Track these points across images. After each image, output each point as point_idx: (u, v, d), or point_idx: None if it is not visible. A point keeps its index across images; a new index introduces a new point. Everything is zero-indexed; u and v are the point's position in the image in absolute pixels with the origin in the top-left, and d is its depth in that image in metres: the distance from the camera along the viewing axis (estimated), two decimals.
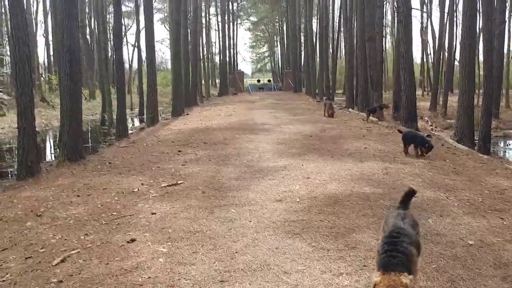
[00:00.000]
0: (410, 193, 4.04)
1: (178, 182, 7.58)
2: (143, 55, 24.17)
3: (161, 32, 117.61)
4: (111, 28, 46.30)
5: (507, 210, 5.87)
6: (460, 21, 35.62)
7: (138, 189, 7.29)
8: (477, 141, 12.58)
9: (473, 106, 12.44)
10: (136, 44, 29.36)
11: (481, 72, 16.57)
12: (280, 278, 3.90)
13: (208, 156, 10.03)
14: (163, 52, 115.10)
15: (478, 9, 12.84)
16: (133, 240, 4.92)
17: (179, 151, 10.92)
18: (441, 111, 24.46)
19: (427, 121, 20.37)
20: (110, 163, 9.98)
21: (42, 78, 37.53)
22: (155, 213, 5.90)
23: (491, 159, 10.12)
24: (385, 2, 26.71)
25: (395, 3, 41.88)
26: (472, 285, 3.74)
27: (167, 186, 7.39)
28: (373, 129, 14.52)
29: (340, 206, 5.98)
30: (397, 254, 3.07)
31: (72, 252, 4.71)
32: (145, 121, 19.72)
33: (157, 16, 70.72)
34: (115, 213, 6.06)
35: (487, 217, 5.58)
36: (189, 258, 4.38)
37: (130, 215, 5.90)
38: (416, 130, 14.60)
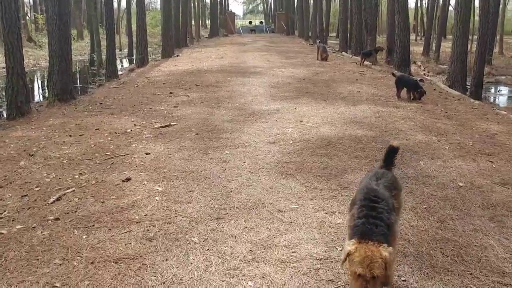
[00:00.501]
0: (392, 151, 3.56)
1: (171, 123, 7.56)
2: None
3: None
4: None
5: (496, 154, 5.96)
6: None
7: (131, 130, 7.27)
8: (469, 87, 12.58)
9: (466, 51, 12.35)
10: None
11: (476, 18, 16.35)
12: (274, 216, 3.98)
13: (200, 99, 9.96)
14: None
15: None
16: (128, 179, 4.95)
17: (171, 93, 10.82)
18: (434, 56, 24.26)
19: (420, 66, 20.25)
20: (101, 103, 9.88)
21: (27, 18, 36.41)
22: (150, 153, 5.92)
23: (482, 104, 10.17)
24: None
25: None
26: (461, 225, 3.85)
27: (160, 127, 7.37)
28: (366, 73, 14.44)
29: (332, 148, 6.04)
30: (379, 222, 2.60)
31: (67, 191, 4.75)
32: (134, 62, 19.38)
33: None
34: (108, 153, 6.06)
35: (477, 160, 5.67)
36: (185, 197, 4.44)
37: (124, 155, 5.92)
38: (409, 75, 14.57)
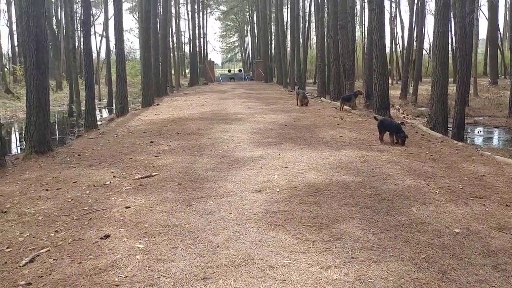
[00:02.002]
0: None
1: (152, 174, 7.30)
2: (111, 44, 23.52)
3: (129, 22, 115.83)
4: (78, 17, 45.18)
5: (488, 197, 5.84)
6: (429, 11, 36.06)
7: (110, 182, 6.97)
8: (450, 129, 12.66)
9: (446, 93, 12.49)
10: (104, 33, 28.52)
11: (450, 61, 16.72)
12: (266, 273, 3.70)
13: (182, 147, 9.75)
14: (131, 42, 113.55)
15: None
16: (107, 236, 4.64)
17: (151, 142, 10.60)
18: (411, 99, 24.68)
19: (399, 109, 20.52)
20: (79, 155, 9.58)
21: (6, 69, 36.21)
22: (130, 207, 5.62)
23: (466, 146, 10.18)
24: None
25: None
26: (464, 275, 3.64)
27: (141, 178, 7.10)
28: (346, 118, 14.49)
29: (321, 196, 5.83)
30: None
31: (41, 251, 4.41)
32: (114, 111, 19.18)
33: (125, 6, 69.46)
34: (86, 208, 5.75)
35: (469, 204, 5.52)
36: (168, 254, 4.14)
37: (102, 210, 5.61)
38: (390, 118, 14.66)
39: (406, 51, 27.09)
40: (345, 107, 16.97)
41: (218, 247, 4.27)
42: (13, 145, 15.77)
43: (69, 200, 6.16)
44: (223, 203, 5.63)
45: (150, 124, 13.96)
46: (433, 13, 13.03)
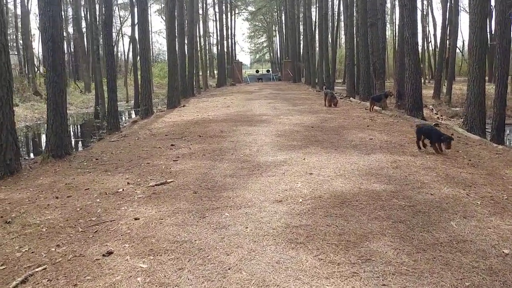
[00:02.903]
0: None
1: (168, 180, 6.86)
2: (138, 46, 23.37)
3: (158, 24, 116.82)
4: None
5: None
6: (462, 7, 34.75)
7: (123, 190, 6.57)
8: (489, 131, 11.86)
9: (484, 93, 11.69)
10: (131, 35, 28.43)
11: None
12: None
13: (203, 151, 9.31)
14: (160, 44, 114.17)
15: None
16: (109, 253, 4.21)
17: (172, 145, 10.21)
18: (445, 99, 23.72)
19: (432, 109, 19.66)
20: (97, 159, 9.27)
21: (36, 71, 36.72)
22: (139, 219, 5.19)
23: (507, 149, 9.40)
24: None
25: None
26: None
27: (155, 185, 6.67)
28: (376, 119, 13.80)
29: (348, 207, 5.27)
30: None
31: (37, 269, 4.01)
32: (139, 113, 18.97)
33: (154, 7, 70.06)
34: (94, 218, 5.35)
35: None
36: (172, 277, 3.67)
37: (110, 221, 5.19)
38: (422, 119, 13.93)
39: (439, 49, 26.11)
40: (375, 107, 16.28)
41: (229, 269, 3.77)
42: (38, 148, 15.68)
43: (78, 209, 5.78)
44: (239, 215, 5.14)
45: (173, 126, 13.60)
46: (467, 9, 12.25)
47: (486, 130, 12.02)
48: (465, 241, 4.27)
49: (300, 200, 5.59)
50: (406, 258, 3.90)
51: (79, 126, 21.10)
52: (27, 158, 12.53)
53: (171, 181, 6.84)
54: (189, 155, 8.98)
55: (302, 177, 6.76)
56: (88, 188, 6.80)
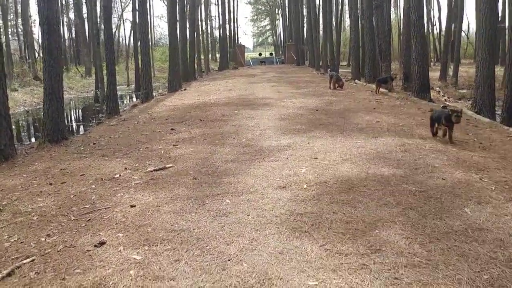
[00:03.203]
0: None
1: (167, 166, 6.59)
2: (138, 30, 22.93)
3: (160, 8, 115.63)
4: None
5: None
6: None
7: (120, 175, 6.31)
8: (498, 113, 11.51)
9: (493, 75, 11.30)
10: (133, 20, 27.92)
11: None
12: None
13: (203, 135, 9.02)
14: (162, 28, 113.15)
15: None
16: (102, 244, 3.95)
17: (172, 129, 9.92)
18: (451, 81, 23.27)
19: (439, 91, 19.22)
20: (94, 143, 9.00)
21: (37, 56, 36.35)
22: (135, 206, 4.92)
23: None
24: None
25: None
26: None
27: (154, 170, 6.40)
28: (383, 101, 13.46)
29: (355, 193, 4.99)
30: None
31: (25, 261, 3.76)
32: (139, 97, 18.65)
33: None
34: (88, 206, 5.09)
35: None
36: (168, 270, 3.40)
37: (105, 208, 4.93)
38: (430, 101, 13.58)
39: (445, 31, 25.56)
40: (382, 89, 15.92)
41: (229, 260, 3.51)
42: (36, 133, 15.44)
43: (72, 196, 5.52)
44: (241, 201, 4.86)
45: (174, 110, 13.30)
46: None
47: (496, 112, 11.65)
48: (481, 229, 3.99)
49: (305, 186, 5.31)
50: (419, 248, 3.62)
51: (79, 110, 20.83)
52: (25, 143, 12.28)
53: (170, 166, 6.56)
54: (190, 139, 8.70)
55: (307, 162, 6.48)
56: (84, 174, 6.54)
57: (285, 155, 6.97)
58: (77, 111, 21.16)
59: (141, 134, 9.69)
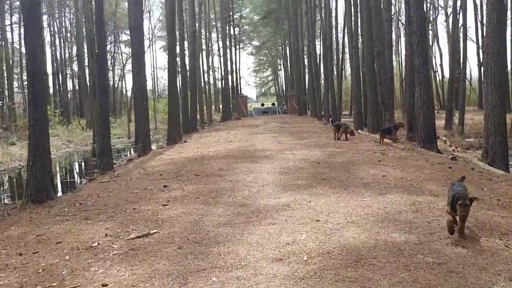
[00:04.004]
0: None
1: (151, 231, 5.91)
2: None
3: (163, 60, 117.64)
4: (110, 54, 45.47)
5: None
6: (469, 37, 34.20)
7: (99, 243, 5.63)
8: None
9: (505, 122, 10.76)
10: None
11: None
12: None
13: (197, 193, 8.38)
14: (165, 79, 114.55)
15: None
16: None
17: (165, 186, 9.29)
18: (457, 129, 22.78)
19: (445, 141, 18.68)
20: (81, 204, 8.36)
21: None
22: (107, 285, 4.23)
23: None
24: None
25: (400, 17, 40.74)
26: None
27: (136, 237, 5.73)
28: (388, 153, 12.84)
29: (364, 268, 4.28)
30: None
31: None
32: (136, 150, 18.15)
33: (159, 44, 70.71)
34: (55, 284, 4.41)
35: None
36: None
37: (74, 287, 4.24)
38: (437, 152, 12.99)
39: (449, 78, 25.31)
40: (386, 140, 15.37)
41: None
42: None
43: (40, 270, 4.84)
44: (230, 280, 4.16)
45: (170, 165, 12.71)
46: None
47: (510, 164, 11.03)
48: None
49: (305, 258, 4.61)
50: None
51: (75, 164, 20.31)
52: (10, 202, 11.65)
53: (155, 232, 5.89)
54: (181, 198, 8.05)
55: (308, 225, 5.79)
56: (60, 242, 5.87)
57: (283, 216, 6.30)
58: (72, 166, 20.62)
59: (132, 192, 9.06)
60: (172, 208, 7.29)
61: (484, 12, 36.03)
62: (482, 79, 36.99)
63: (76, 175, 16.32)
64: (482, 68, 36.28)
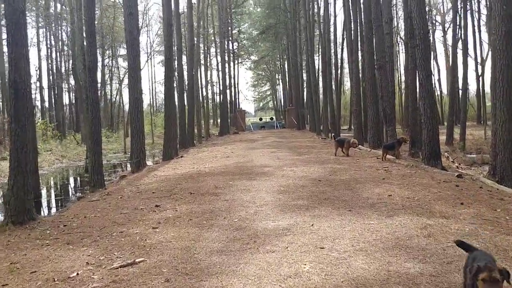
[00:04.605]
0: None
1: (137, 260, 5.33)
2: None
3: (162, 74, 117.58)
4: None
5: None
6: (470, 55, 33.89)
7: (78, 273, 5.05)
8: None
9: None
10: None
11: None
12: None
13: (190, 214, 7.81)
14: (163, 94, 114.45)
15: None
16: None
17: (157, 206, 8.72)
18: (459, 145, 22.30)
19: (448, 157, 18.14)
20: (65, 225, 7.78)
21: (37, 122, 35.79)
22: None
23: None
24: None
25: (398, 31, 40.50)
26: None
27: (120, 267, 5.15)
28: (392, 170, 12.31)
29: None
30: None
31: None
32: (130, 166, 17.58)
33: (158, 58, 70.56)
34: None
35: None
36: None
37: None
38: (442, 169, 12.47)
39: (450, 93, 24.89)
40: (389, 156, 14.85)
41: None
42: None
43: None
44: None
45: (164, 182, 12.15)
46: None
47: None
48: None
49: None
50: None
51: (67, 181, 19.69)
52: None
53: (141, 261, 5.31)
54: (173, 219, 7.48)
55: (311, 253, 5.22)
56: (35, 271, 5.28)
57: (284, 242, 5.73)
58: (64, 182, 20.01)
59: (121, 212, 8.48)
60: (163, 231, 6.71)
61: (482, 27, 35.91)
62: (481, 95, 36.69)
63: (65, 193, 15.69)
64: (480, 82, 36.03)
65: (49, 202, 14.53)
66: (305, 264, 4.84)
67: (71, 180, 20.56)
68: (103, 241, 6.47)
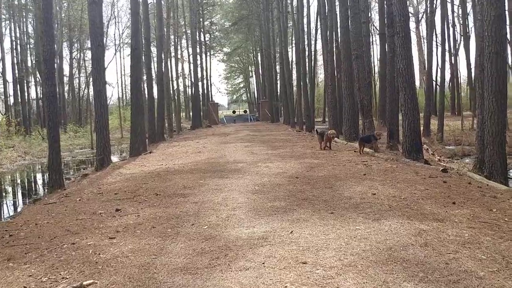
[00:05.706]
0: None
1: (84, 283, 4.44)
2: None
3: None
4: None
5: None
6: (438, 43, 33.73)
7: None
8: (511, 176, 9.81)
9: (504, 130, 9.66)
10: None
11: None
12: None
13: (154, 219, 6.94)
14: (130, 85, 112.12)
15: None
16: None
17: (117, 210, 7.81)
18: (437, 137, 21.92)
19: (427, 149, 17.66)
20: (11, 235, 6.79)
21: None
22: None
23: None
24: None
25: (375, 23, 40.08)
26: None
27: None
28: (371, 164, 11.66)
29: None
30: None
31: None
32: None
33: (127, 51, 68.65)
34: None
35: None
36: None
37: None
38: (426, 163, 11.89)
39: (426, 84, 24.49)
40: (366, 149, 14.22)
41: None
42: None
43: None
44: None
45: (129, 181, 11.20)
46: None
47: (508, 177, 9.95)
48: None
49: None
50: None
51: (27, 180, 18.45)
52: None
53: (90, 284, 4.42)
54: (134, 227, 6.59)
55: (292, 270, 4.43)
56: None
57: (260, 256, 4.92)
58: (23, 181, 18.77)
59: (77, 218, 7.53)
60: (120, 243, 5.82)
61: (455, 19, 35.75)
62: (455, 86, 36.62)
63: (23, 194, 14.54)
64: (454, 73, 35.90)
65: (0, 205, 13.38)
66: (286, 286, 4.04)
67: (32, 179, 19.32)
68: (50, 255, 5.54)
